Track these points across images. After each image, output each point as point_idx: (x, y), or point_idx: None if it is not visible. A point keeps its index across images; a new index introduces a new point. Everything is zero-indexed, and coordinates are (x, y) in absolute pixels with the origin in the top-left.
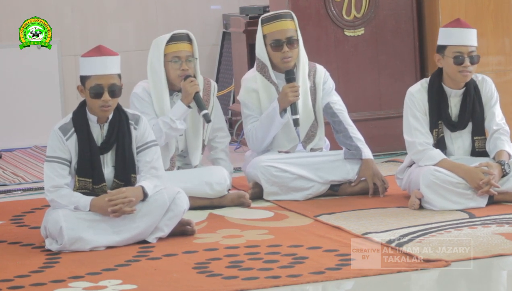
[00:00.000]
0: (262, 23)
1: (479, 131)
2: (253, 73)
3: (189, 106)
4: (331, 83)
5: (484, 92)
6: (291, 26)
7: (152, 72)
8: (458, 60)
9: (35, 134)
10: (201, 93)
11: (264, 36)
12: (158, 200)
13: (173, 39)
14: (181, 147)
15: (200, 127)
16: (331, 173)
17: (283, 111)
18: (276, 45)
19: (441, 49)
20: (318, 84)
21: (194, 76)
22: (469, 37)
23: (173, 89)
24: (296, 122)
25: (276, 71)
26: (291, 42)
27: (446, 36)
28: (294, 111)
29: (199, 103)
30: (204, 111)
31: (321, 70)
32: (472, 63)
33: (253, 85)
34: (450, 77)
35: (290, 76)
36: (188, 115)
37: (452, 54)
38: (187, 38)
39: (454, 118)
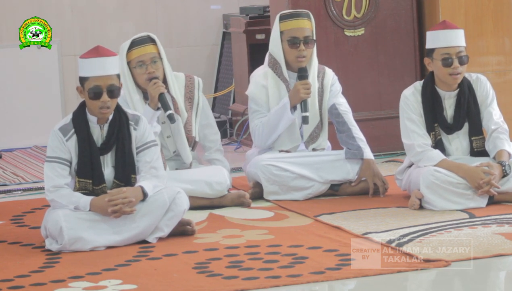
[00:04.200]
0: (280, 20)
1: (476, 131)
2: (264, 69)
3: (158, 109)
4: (338, 86)
5: (479, 91)
6: (308, 26)
7: (123, 79)
8: (447, 62)
9: (35, 134)
10: (181, 91)
11: (281, 33)
12: (158, 200)
13: (134, 44)
14: (172, 148)
15: (180, 125)
16: (331, 172)
17: (292, 108)
18: (293, 42)
19: (430, 52)
20: (326, 86)
21: (165, 77)
22: (456, 38)
23: (147, 93)
24: (305, 120)
25: (289, 70)
26: (307, 41)
27: (433, 39)
28: (305, 108)
29: (163, 104)
30: (168, 112)
31: (329, 73)
32: (461, 64)
33: (263, 81)
34: (441, 80)
35: (303, 73)
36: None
37: (440, 57)
38: (149, 40)
39: (450, 120)
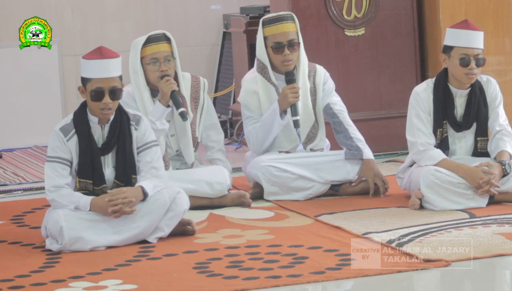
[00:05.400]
0: (263, 25)
1: (483, 132)
2: (253, 74)
3: (168, 106)
4: (331, 84)
5: (489, 93)
6: (292, 28)
7: (134, 75)
8: (464, 62)
9: (35, 134)
10: (187, 91)
11: (265, 38)
12: (158, 200)
13: (150, 41)
14: (175, 147)
15: (187, 125)
16: (331, 173)
17: (283, 112)
18: (277, 47)
19: (448, 49)
20: (318, 85)
21: (176, 76)
22: (476, 40)
23: (156, 91)
24: (296, 124)
25: (276, 72)
26: (292, 45)
27: (453, 37)
28: (294, 112)
29: (175, 101)
30: (180, 110)
31: (321, 71)
32: (477, 65)
33: (253, 87)
34: (455, 78)
35: (290, 77)
36: (173, 114)
37: (458, 56)
38: (165, 38)
39: (459, 118)
